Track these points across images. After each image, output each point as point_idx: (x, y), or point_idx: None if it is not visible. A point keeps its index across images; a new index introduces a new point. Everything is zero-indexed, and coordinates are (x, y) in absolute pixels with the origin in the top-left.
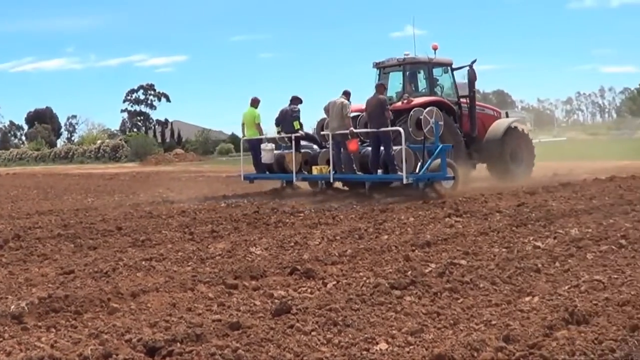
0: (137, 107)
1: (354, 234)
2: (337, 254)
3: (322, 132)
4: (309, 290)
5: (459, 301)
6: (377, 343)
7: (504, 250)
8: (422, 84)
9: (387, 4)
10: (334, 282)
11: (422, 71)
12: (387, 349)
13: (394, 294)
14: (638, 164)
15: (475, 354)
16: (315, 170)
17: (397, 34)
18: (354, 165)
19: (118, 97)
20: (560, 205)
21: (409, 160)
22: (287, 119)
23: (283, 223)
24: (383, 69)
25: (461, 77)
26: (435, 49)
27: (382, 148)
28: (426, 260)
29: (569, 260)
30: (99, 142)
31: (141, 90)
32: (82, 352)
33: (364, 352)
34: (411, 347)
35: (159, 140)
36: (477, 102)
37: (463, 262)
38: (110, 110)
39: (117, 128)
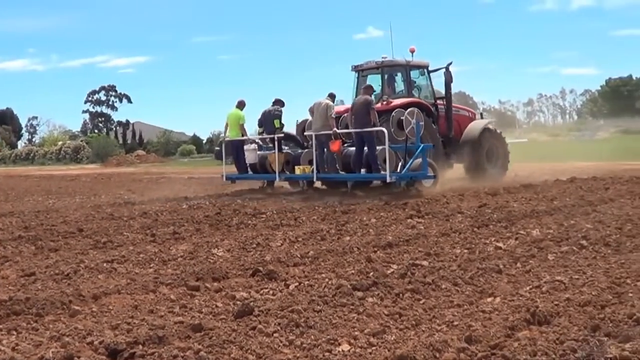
0: (98, 108)
1: (316, 235)
2: (299, 256)
3: (305, 133)
4: (271, 291)
5: (420, 302)
6: (340, 344)
7: (465, 251)
8: (399, 86)
9: (349, 7)
10: (296, 284)
11: (399, 74)
12: (349, 350)
13: (356, 295)
14: (599, 165)
15: (438, 355)
16: (298, 170)
17: (360, 35)
18: (337, 165)
19: (80, 98)
20: (522, 206)
21: (391, 160)
22: (269, 120)
23: (245, 224)
24: (362, 71)
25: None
26: (412, 51)
27: (365, 148)
28: (388, 261)
29: (531, 261)
30: (60, 143)
31: (103, 92)
32: (44, 354)
33: (327, 354)
34: (373, 348)
35: (121, 141)
36: (452, 104)
37: (425, 263)
38: (71, 112)
39: (79, 129)
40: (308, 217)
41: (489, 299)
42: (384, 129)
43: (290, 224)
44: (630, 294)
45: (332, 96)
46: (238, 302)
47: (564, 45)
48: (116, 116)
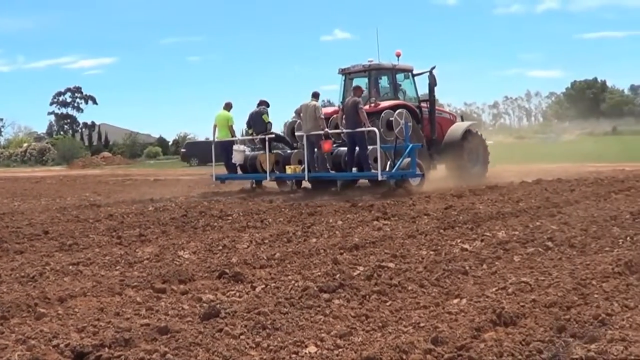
0: (64, 110)
1: (282, 237)
2: (265, 258)
3: (297, 134)
4: (237, 293)
5: (387, 304)
6: (306, 346)
7: (431, 252)
8: (385, 88)
9: (316, 9)
10: (263, 286)
11: (386, 77)
12: (316, 352)
13: (322, 297)
14: (564, 167)
15: (404, 356)
16: (288, 169)
17: (327, 37)
18: (327, 165)
19: (45, 99)
20: (488, 208)
21: (381, 159)
22: (257, 120)
23: (211, 226)
24: (348, 74)
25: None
26: (398, 55)
27: (356, 147)
28: (354, 263)
29: (496, 263)
30: (25, 145)
31: (68, 93)
32: (9, 357)
33: (293, 356)
34: (340, 350)
35: (86, 143)
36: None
37: (391, 264)
38: (37, 113)
39: (44, 131)
40: (274, 219)
41: (455, 301)
42: (375, 129)
43: (256, 225)
44: (596, 295)
45: (316, 95)
46: (204, 305)
47: (529, 48)
48: (82, 118)
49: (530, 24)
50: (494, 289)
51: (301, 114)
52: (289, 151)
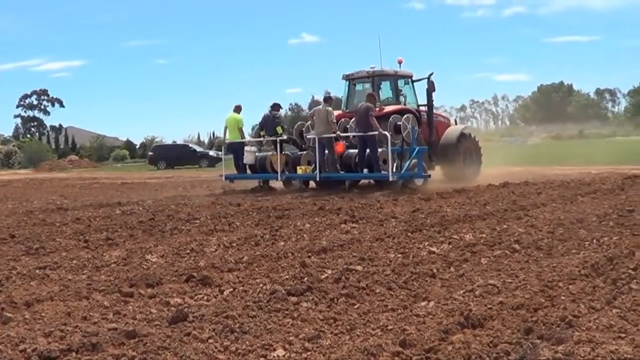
0: (30, 113)
1: (250, 240)
2: (233, 261)
3: (308, 136)
4: (205, 297)
5: (355, 307)
6: (275, 350)
7: (399, 255)
8: (386, 93)
9: (284, 13)
10: (231, 289)
11: (388, 82)
12: (284, 356)
13: (290, 300)
14: (530, 170)
15: (372, 359)
16: (299, 170)
17: (294, 40)
18: (337, 166)
19: (12, 102)
20: (455, 211)
21: (389, 161)
22: (270, 124)
23: (179, 230)
24: (352, 80)
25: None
26: (400, 62)
27: (367, 150)
28: (322, 266)
29: (464, 265)
30: None
31: (35, 96)
32: None
33: (262, 359)
34: (308, 353)
35: (53, 146)
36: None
37: (359, 267)
38: (3, 116)
39: (10, 134)
40: (242, 222)
41: (423, 303)
42: (387, 133)
43: (224, 229)
44: (563, 297)
45: (328, 100)
46: (172, 308)
47: (496, 52)
48: (49, 121)
49: (498, 28)
50: (461, 292)
51: (314, 117)
52: (298, 152)
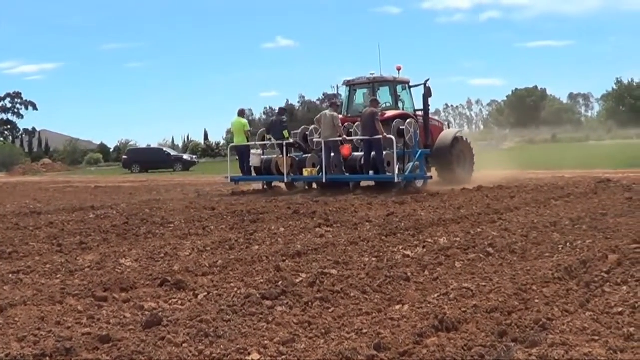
0: (3, 116)
1: (224, 244)
2: (207, 265)
3: (315, 140)
4: (179, 301)
5: (330, 310)
6: (249, 354)
7: (374, 259)
8: (385, 99)
9: (258, 16)
10: (205, 293)
11: (387, 88)
12: None
13: (265, 304)
14: (504, 173)
15: None
16: (305, 172)
17: (269, 45)
18: (342, 168)
19: None
20: (429, 214)
21: (392, 163)
22: (277, 128)
23: (153, 234)
24: (353, 86)
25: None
26: (399, 69)
27: (373, 153)
28: (297, 270)
29: (438, 269)
30: None
31: (8, 99)
32: None
33: None
34: (283, 357)
35: (26, 149)
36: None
37: (334, 271)
38: None
39: None
40: (216, 226)
41: (398, 307)
42: (392, 137)
43: (198, 233)
44: (536, 300)
45: (334, 105)
46: (146, 313)
47: (471, 56)
48: (22, 124)
49: (473, 33)
50: (436, 295)
51: (320, 122)
52: (302, 155)
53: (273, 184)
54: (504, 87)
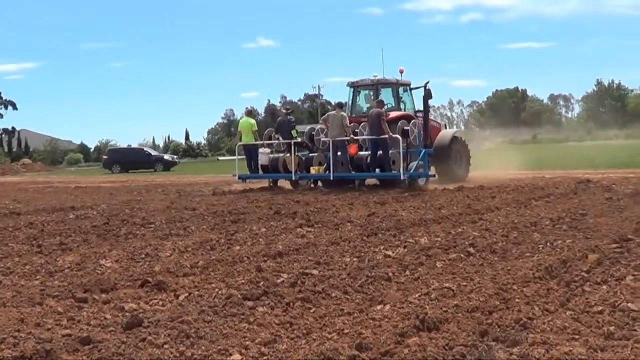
0: None
1: (205, 245)
2: (189, 266)
3: (323, 139)
4: (161, 302)
5: (311, 311)
6: (231, 355)
7: (355, 259)
8: (388, 100)
9: (239, 17)
10: (186, 294)
11: (390, 90)
12: None
13: (246, 305)
14: (485, 174)
15: None
16: (313, 170)
17: (250, 45)
18: (349, 166)
19: None
20: (410, 215)
21: (398, 162)
22: (285, 128)
23: (134, 235)
24: (357, 87)
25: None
26: (401, 72)
27: (379, 152)
28: (278, 270)
29: (420, 269)
30: None
31: None
32: None
33: None
34: (265, 357)
35: (6, 149)
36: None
37: (315, 272)
38: None
39: None
40: (198, 227)
41: (379, 307)
42: (399, 137)
43: (179, 234)
44: (517, 300)
45: (342, 106)
46: (127, 314)
47: (453, 58)
48: (2, 124)
49: (455, 35)
50: (417, 295)
51: (327, 122)
52: (309, 154)
53: (279, 183)
54: (485, 89)
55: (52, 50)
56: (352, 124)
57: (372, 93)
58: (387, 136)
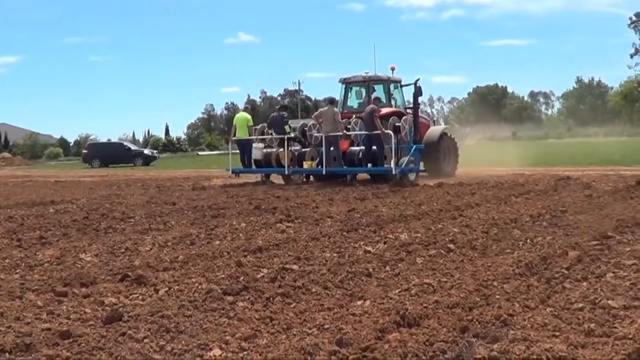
0: None
1: (185, 239)
2: (168, 260)
3: (316, 134)
4: (140, 297)
5: (291, 306)
6: (211, 349)
7: (335, 255)
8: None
9: (220, 12)
10: (166, 289)
11: (381, 86)
12: (220, 355)
13: (226, 299)
14: (465, 170)
15: (309, 358)
16: (306, 165)
17: (230, 40)
18: (341, 161)
19: None
20: (390, 210)
21: (389, 157)
22: (278, 124)
23: (113, 229)
24: (348, 84)
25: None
26: (393, 69)
27: (373, 147)
28: (258, 265)
29: (399, 265)
30: None
31: None
32: None
33: (198, 359)
34: (245, 352)
35: None
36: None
37: (295, 267)
38: None
39: None
40: (177, 221)
41: (359, 302)
42: (391, 133)
43: (159, 228)
44: (497, 296)
45: (333, 101)
46: (107, 308)
47: (434, 54)
48: None
49: (436, 31)
50: (397, 291)
51: (319, 118)
52: (302, 149)
53: (271, 177)
54: (465, 85)
55: (32, 44)
56: (343, 120)
57: (363, 89)
58: (380, 132)
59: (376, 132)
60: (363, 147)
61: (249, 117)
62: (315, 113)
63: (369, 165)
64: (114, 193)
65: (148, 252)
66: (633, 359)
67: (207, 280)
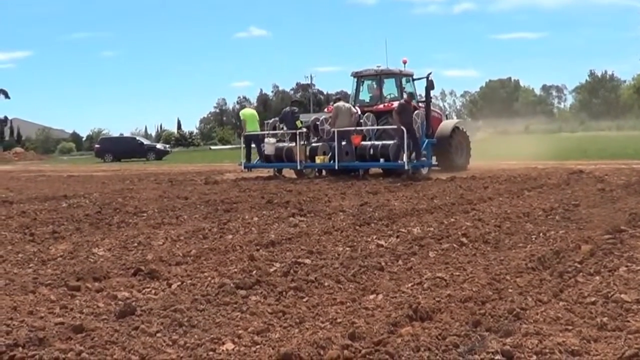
0: None
1: (198, 234)
2: (181, 254)
3: (332, 129)
4: (153, 291)
5: (304, 300)
6: (224, 343)
7: (347, 249)
8: (389, 90)
9: (231, 6)
10: (179, 283)
11: (393, 80)
12: (233, 349)
13: (239, 293)
14: (477, 164)
15: (322, 352)
16: (318, 159)
17: (242, 34)
18: (353, 155)
19: None
20: (403, 204)
21: (401, 152)
22: (290, 119)
23: (126, 223)
24: (360, 77)
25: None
26: (405, 62)
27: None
28: (271, 259)
29: (412, 259)
30: None
31: None
32: None
33: (210, 353)
34: (257, 346)
35: None
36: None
37: (307, 261)
38: None
39: None
40: (190, 215)
41: (372, 296)
42: (402, 128)
43: (172, 222)
44: (510, 290)
45: (345, 97)
46: (120, 302)
47: (446, 48)
48: None
49: (448, 24)
50: (409, 285)
51: (333, 113)
52: (314, 144)
53: (282, 171)
54: (477, 79)
55: (44, 39)
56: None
57: (375, 83)
58: (403, 127)
59: (405, 126)
60: (376, 142)
61: (256, 113)
62: (330, 108)
63: (382, 160)
64: (127, 187)
65: (161, 246)
66: None
67: (219, 275)
